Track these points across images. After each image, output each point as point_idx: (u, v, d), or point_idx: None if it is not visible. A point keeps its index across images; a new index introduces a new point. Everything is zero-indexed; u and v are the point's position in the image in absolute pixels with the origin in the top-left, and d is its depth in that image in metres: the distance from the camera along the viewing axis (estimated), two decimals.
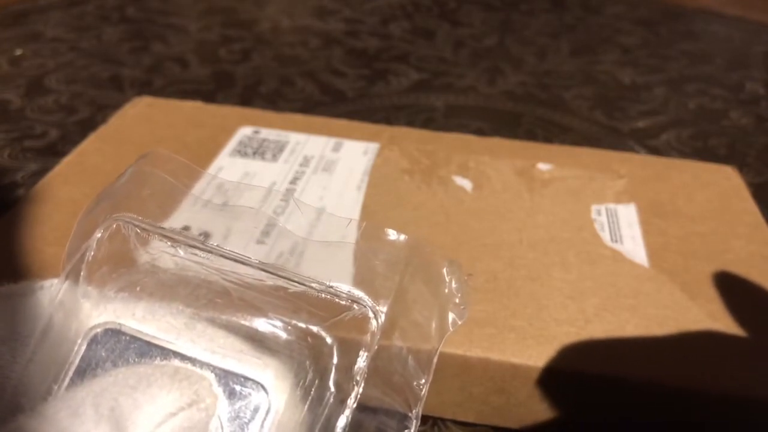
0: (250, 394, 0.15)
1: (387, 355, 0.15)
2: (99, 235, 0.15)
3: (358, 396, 0.14)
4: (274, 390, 0.15)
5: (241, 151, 0.27)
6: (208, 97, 0.39)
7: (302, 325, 0.15)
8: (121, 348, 0.15)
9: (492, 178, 0.26)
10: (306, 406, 0.15)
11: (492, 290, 0.21)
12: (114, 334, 0.15)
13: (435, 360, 0.15)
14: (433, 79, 0.43)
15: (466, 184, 0.26)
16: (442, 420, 0.21)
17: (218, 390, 0.15)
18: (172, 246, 0.15)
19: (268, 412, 0.14)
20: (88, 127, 0.34)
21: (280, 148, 0.28)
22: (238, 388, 0.15)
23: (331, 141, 0.28)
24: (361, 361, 0.14)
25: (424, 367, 0.15)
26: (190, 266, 0.15)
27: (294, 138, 0.28)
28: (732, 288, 0.21)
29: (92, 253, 0.15)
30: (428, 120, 0.38)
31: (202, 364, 0.15)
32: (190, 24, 0.50)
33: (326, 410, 0.14)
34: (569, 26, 0.53)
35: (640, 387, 0.18)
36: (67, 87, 0.40)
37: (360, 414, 0.14)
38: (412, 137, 0.29)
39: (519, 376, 0.19)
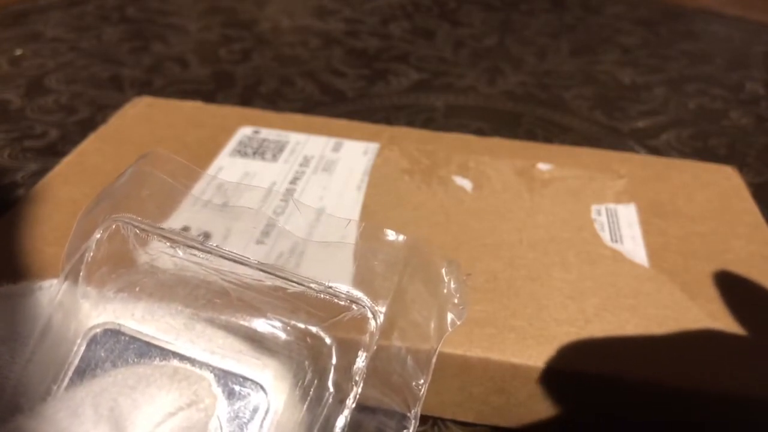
0: (249, 394, 0.15)
1: (386, 356, 0.15)
2: (98, 235, 0.15)
3: (357, 396, 0.14)
4: (273, 390, 0.15)
5: (241, 151, 0.27)
6: (208, 97, 0.39)
7: (301, 325, 0.15)
8: (121, 348, 0.15)
9: (492, 178, 0.26)
10: (305, 407, 0.15)
11: (492, 290, 0.21)
12: (113, 334, 0.15)
13: (434, 360, 0.15)
14: (433, 79, 0.43)
15: (466, 184, 0.26)
16: (442, 420, 0.21)
17: (217, 390, 0.15)
18: (171, 246, 0.15)
19: (267, 412, 0.14)
20: (88, 127, 0.34)
21: (280, 148, 0.28)
22: (237, 388, 0.15)
23: (331, 141, 0.28)
24: (360, 362, 0.14)
25: (422, 368, 0.15)
26: (189, 267, 0.15)
27: (294, 138, 0.28)
28: (732, 288, 0.21)
29: (91, 254, 0.15)
30: (428, 120, 0.38)
31: (201, 365, 0.15)
32: (190, 24, 0.50)
33: (325, 410, 0.14)
34: (569, 26, 0.53)
35: (640, 387, 0.18)
36: (67, 87, 0.40)
37: (359, 414, 0.14)
38: (412, 137, 0.29)
39: (519, 376, 0.19)
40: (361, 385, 0.14)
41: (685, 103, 0.41)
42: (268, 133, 0.28)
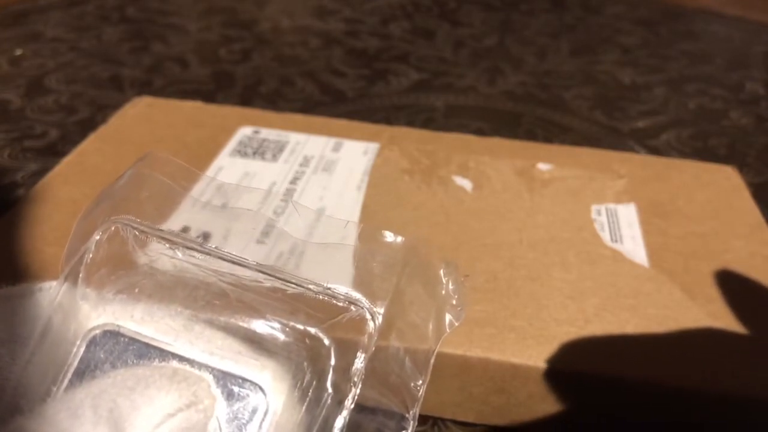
0: (248, 395, 0.15)
1: (384, 356, 0.15)
2: (97, 237, 0.15)
3: (356, 397, 0.14)
4: (272, 391, 0.15)
5: (241, 151, 0.27)
6: (208, 97, 0.39)
7: (300, 326, 0.15)
8: (120, 349, 0.15)
9: (492, 178, 0.26)
10: (304, 407, 0.15)
11: (492, 290, 0.21)
12: (112, 335, 0.15)
13: (432, 361, 0.15)
14: (433, 79, 0.43)
15: (466, 184, 0.26)
16: (442, 420, 0.21)
17: (216, 391, 0.15)
18: (171, 248, 0.15)
19: (266, 413, 0.14)
20: (88, 127, 0.34)
21: (280, 148, 0.28)
22: (236, 389, 0.15)
23: (331, 141, 0.28)
24: (359, 363, 0.14)
25: (421, 368, 0.15)
26: (189, 268, 0.15)
27: (294, 138, 0.28)
28: (732, 288, 0.21)
29: (91, 255, 0.15)
30: (428, 120, 0.38)
31: (201, 366, 0.15)
32: (190, 24, 0.50)
33: (324, 411, 0.14)
34: (569, 26, 0.53)
35: (640, 387, 0.18)
36: (67, 87, 0.40)
37: (357, 415, 0.14)
38: (412, 137, 0.29)
39: (519, 376, 0.19)
40: (360, 385, 0.14)
41: (685, 103, 0.41)
42: (268, 133, 0.28)
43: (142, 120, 0.29)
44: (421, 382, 0.15)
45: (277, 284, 0.15)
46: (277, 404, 0.14)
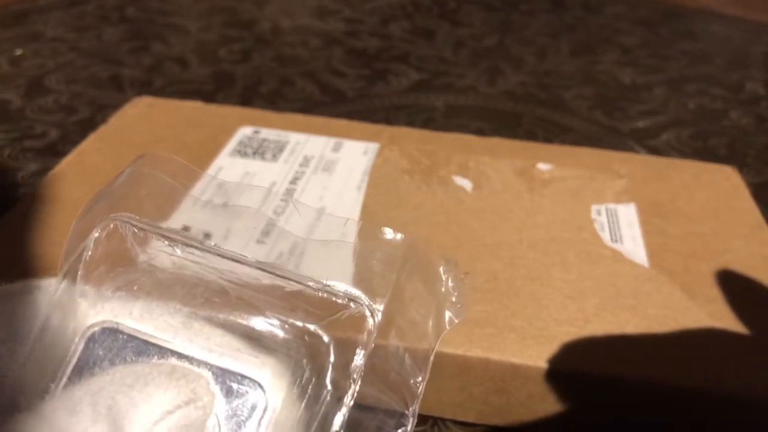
0: (247, 392, 0.15)
1: (384, 354, 0.15)
2: (96, 234, 0.15)
3: (355, 394, 0.14)
4: (271, 388, 0.15)
5: (241, 151, 0.27)
6: (208, 97, 0.39)
7: (299, 323, 0.15)
8: (119, 347, 0.15)
9: (492, 178, 0.26)
10: (303, 404, 0.15)
11: (492, 290, 0.21)
12: (111, 333, 0.15)
13: (431, 358, 0.15)
14: (433, 79, 0.43)
15: (466, 184, 0.26)
16: (442, 420, 0.21)
17: (215, 388, 0.15)
18: (170, 245, 0.15)
19: (265, 410, 0.14)
20: (88, 127, 0.34)
21: (280, 148, 0.28)
22: (235, 386, 0.15)
23: (331, 141, 0.28)
24: (358, 360, 0.14)
25: (420, 365, 0.15)
26: (188, 265, 0.15)
27: (294, 138, 0.28)
28: (732, 288, 0.21)
29: (89, 253, 0.15)
30: (428, 120, 0.38)
31: (200, 363, 0.15)
32: (190, 24, 0.50)
33: (323, 408, 0.14)
34: (569, 26, 0.53)
35: (640, 387, 0.18)
36: (67, 87, 0.40)
37: (357, 412, 0.14)
38: (412, 137, 0.29)
39: (519, 376, 0.19)
40: (359, 382, 0.14)
41: (685, 103, 0.41)
42: (268, 133, 0.28)
43: (142, 120, 0.29)
44: (420, 379, 0.15)
45: (277, 281, 0.15)
46: (276, 401, 0.14)
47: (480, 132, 0.37)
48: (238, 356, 0.15)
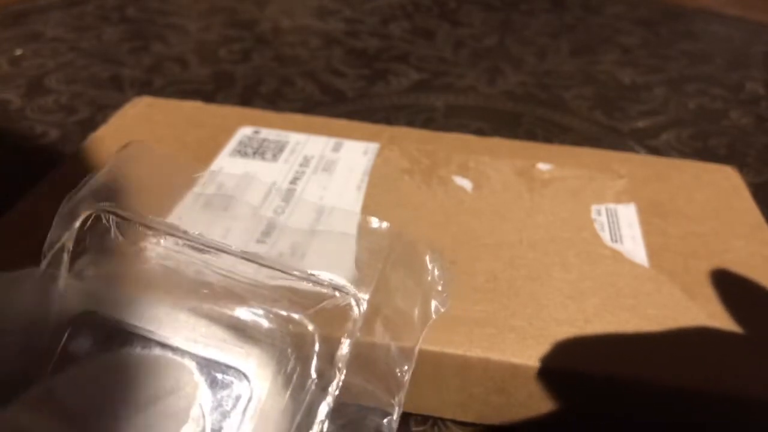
0: (232, 382, 0.14)
1: (369, 343, 0.15)
2: (79, 224, 0.15)
3: (340, 383, 0.14)
4: (256, 378, 0.14)
5: (241, 151, 0.27)
6: (208, 97, 0.39)
7: (284, 313, 0.15)
8: (102, 337, 0.15)
9: (492, 178, 0.26)
10: (288, 394, 0.14)
11: (492, 290, 0.21)
12: (95, 322, 0.15)
13: (417, 347, 0.15)
14: (433, 79, 0.43)
15: (466, 184, 0.26)
16: (442, 420, 0.21)
17: (200, 378, 0.14)
18: (154, 235, 0.15)
19: (250, 400, 0.14)
20: (88, 127, 0.34)
21: (280, 148, 0.28)
22: (219, 376, 0.14)
23: (331, 141, 0.28)
24: (343, 349, 0.14)
25: (406, 355, 0.15)
26: (172, 256, 0.15)
27: (294, 138, 0.28)
28: (732, 288, 0.21)
29: (73, 243, 0.15)
30: (428, 120, 0.38)
31: (184, 353, 0.15)
32: (190, 24, 0.50)
33: (308, 397, 0.14)
34: (569, 26, 0.53)
35: (640, 387, 0.18)
36: (67, 87, 0.40)
37: (342, 401, 0.14)
38: (412, 137, 0.29)
39: (519, 376, 0.19)
40: (345, 372, 0.14)
41: (685, 103, 0.41)
42: (268, 133, 0.28)
43: (142, 120, 0.29)
44: (406, 368, 0.15)
45: (262, 271, 0.15)
46: (261, 391, 0.14)
47: (480, 132, 0.37)
48: (222, 346, 0.15)
